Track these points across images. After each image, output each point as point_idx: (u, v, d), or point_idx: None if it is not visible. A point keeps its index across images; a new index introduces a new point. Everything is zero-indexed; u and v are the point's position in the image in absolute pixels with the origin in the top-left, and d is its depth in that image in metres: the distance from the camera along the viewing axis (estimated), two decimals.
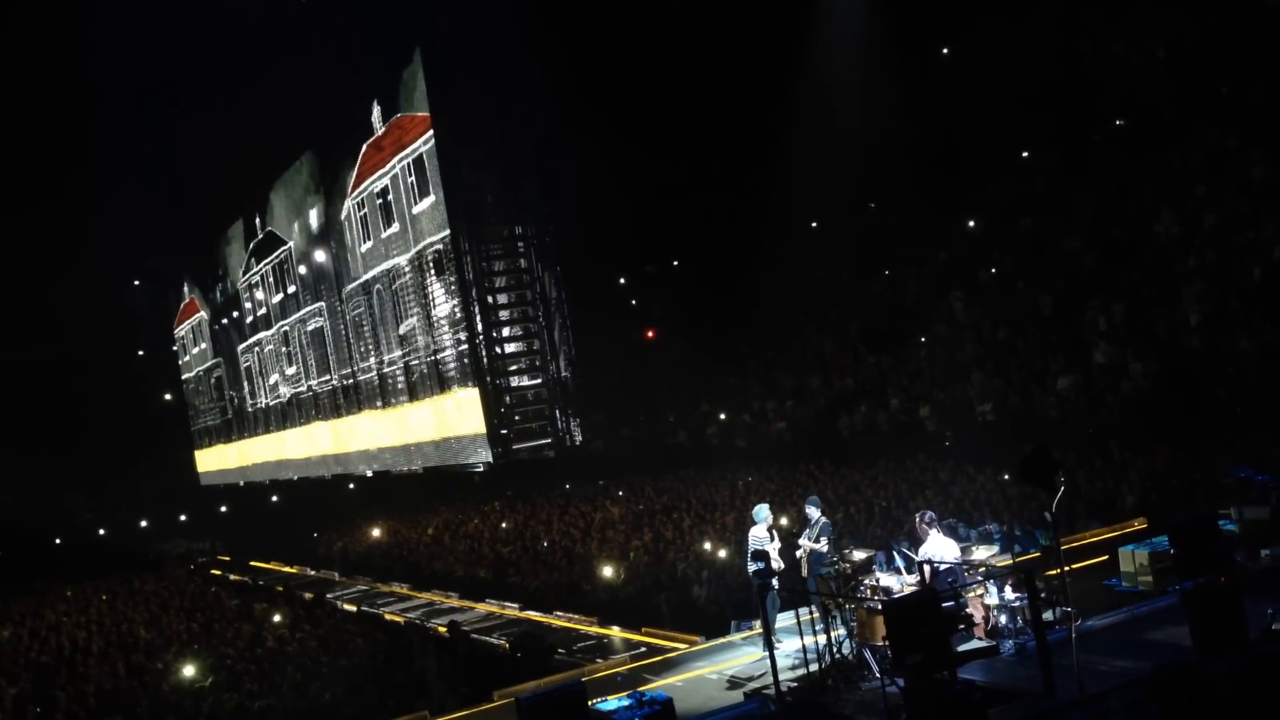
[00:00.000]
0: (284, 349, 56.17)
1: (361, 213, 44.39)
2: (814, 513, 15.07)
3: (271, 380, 58.86)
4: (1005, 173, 33.17)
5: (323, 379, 52.18)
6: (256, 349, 59.84)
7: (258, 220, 55.69)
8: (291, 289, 53.50)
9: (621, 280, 44.38)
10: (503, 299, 36.49)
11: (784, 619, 14.54)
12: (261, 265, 57.11)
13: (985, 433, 24.61)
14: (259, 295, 58.58)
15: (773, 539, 14.89)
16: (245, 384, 62.50)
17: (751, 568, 14.54)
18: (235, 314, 61.74)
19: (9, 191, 47.35)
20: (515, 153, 35.67)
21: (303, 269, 51.62)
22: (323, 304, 49.70)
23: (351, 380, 48.43)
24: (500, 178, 35.90)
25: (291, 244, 52.27)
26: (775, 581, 14.58)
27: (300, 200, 51.17)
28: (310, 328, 52.09)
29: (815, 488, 25.02)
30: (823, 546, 14.60)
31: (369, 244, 44.03)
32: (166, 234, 55.94)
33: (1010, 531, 18.21)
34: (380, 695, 17.04)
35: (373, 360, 45.70)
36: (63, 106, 46.71)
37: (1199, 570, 10.17)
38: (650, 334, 42.16)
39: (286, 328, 54.81)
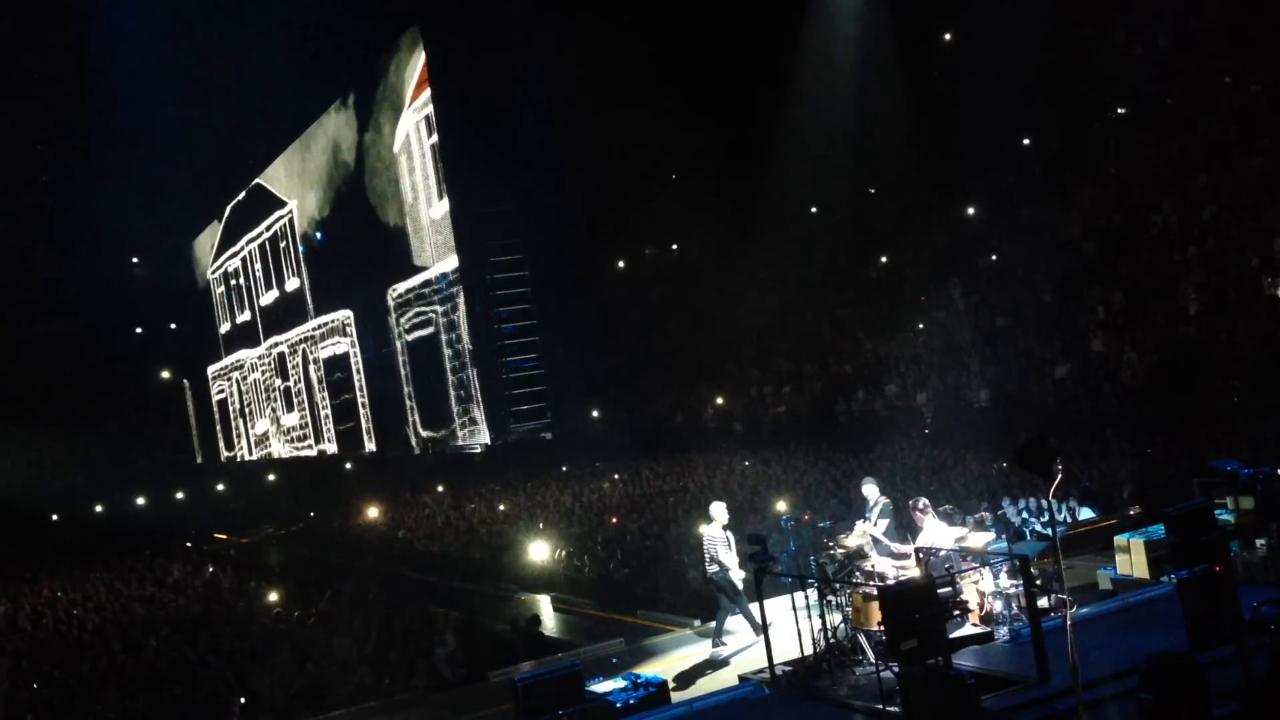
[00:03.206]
0: (279, 382, 38.71)
1: (432, 139, 28.83)
2: (872, 492, 14.61)
3: (258, 428, 42.49)
4: (1005, 160, 33.11)
5: (348, 442, 35.01)
6: (236, 375, 43.10)
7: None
8: (292, 283, 36.89)
9: (620, 264, 44.35)
10: (500, 278, 36.34)
11: (774, 604, 14.54)
12: (242, 244, 39.59)
13: (982, 420, 24.63)
14: (236, 290, 41.26)
15: (729, 542, 14.99)
16: (217, 425, 46.61)
17: (712, 568, 14.81)
18: (202, 317, 46.30)
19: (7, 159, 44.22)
20: (515, 132, 35.54)
21: (313, 247, 34.96)
22: (349, 313, 34.11)
23: (409, 451, 32.12)
24: (500, 156, 35.73)
25: (293, 205, 35.75)
26: (736, 576, 14.76)
27: (312, 130, 34.28)
28: (327, 353, 35.30)
29: (813, 470, 25.06)
30: (880, 530, 14.12)
31: (450, 200, 28.91)
32: (167, 204, 48.39)
33: (1006, 518, 18.29)
34: (375, 675, 17.09)
35: (455, 426, 29.33)
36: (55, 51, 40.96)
37: (1194, 559, 10.18)
38: None
39: (283, 348, 38.03)
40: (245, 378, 41.43)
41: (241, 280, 40.98)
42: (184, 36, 38.16)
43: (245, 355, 40.91)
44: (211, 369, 43.98)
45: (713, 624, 15.21)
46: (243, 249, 39.96)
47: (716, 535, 14.97)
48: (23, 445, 48.99)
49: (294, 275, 37.88)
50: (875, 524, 14.19)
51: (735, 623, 15.11)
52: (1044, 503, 17.19)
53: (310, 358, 36.70)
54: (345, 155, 32.86)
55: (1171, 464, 19.34)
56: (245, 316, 40.68)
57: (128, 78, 37.34)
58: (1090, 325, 24.89)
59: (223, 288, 42.54)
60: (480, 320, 35.41)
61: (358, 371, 34.01)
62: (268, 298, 39.60)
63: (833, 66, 34.15)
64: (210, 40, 38.05)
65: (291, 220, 37.06)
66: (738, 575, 14.83)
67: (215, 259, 41.95)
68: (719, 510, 15.29)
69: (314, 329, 36.45)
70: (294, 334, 37.54)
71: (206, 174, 46.57)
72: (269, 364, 39.51)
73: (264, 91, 38.06)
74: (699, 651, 15.01)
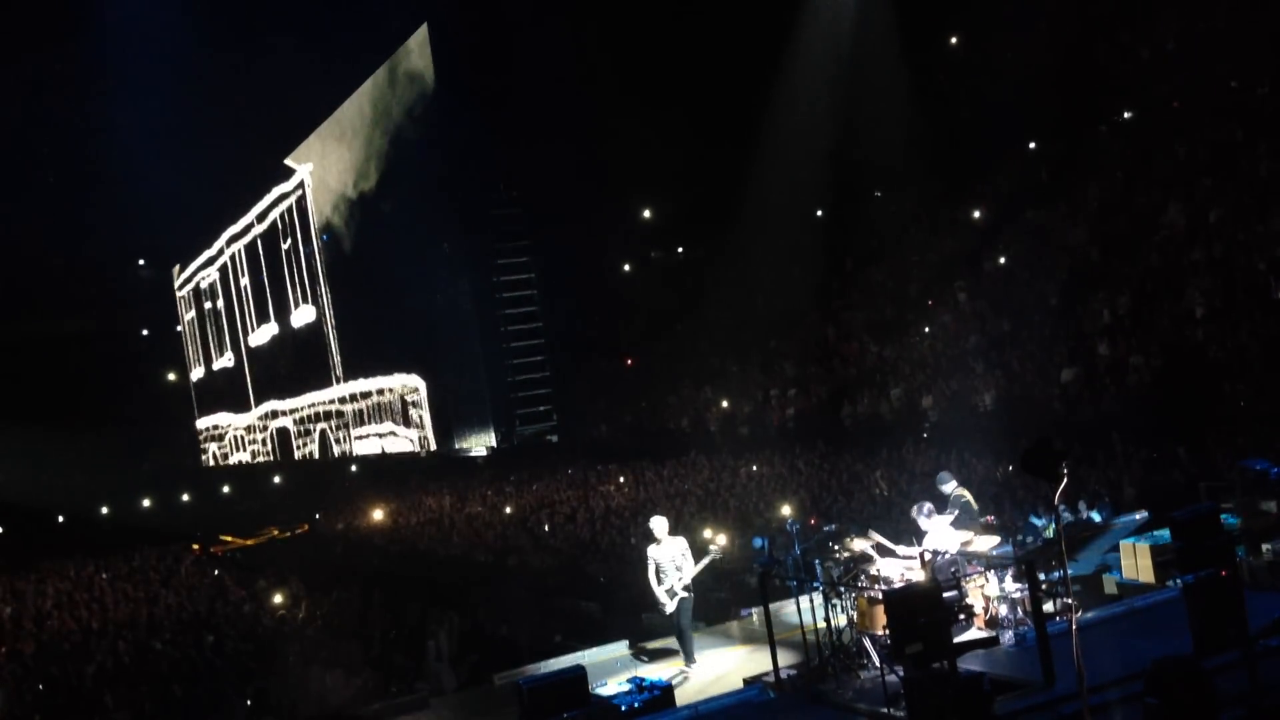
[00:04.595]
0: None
1: None
2: (950, 487, 14.42)
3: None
4: (1011, 163, 33.10)
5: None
6: (214, 449, 30.77)
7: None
8: (302, 315, 24.32)
9: (626, 266, 44.38)
10: (505, 279, 36.39)
11: (779, 607, 14.51)
12: (222, 243, 26.53)
13: (987, 424, 24.59)
14: (213, 318, 29.17)
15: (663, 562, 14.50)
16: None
17: (666, 586, 14.24)
18: (168, 359, 34.39)
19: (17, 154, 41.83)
20: (519, 131, 35.59)
21: (343, 250, 22.78)
22: (418, 381, 23.13)
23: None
24: (503, 158, 35.76)
25: (305, 174, 23.10)
26: (663, 597, 14.38)
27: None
28: (369, 447, 23.41)
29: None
30: (947, 521, 13.80)
31: (453, 198, 20.07)
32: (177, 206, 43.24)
33: (1011, 522, 18.24)
34: (380, 678, 17.10)
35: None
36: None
37: (1200, 564, 10.18)
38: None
39: (287, 422, 25.39)
40: (226, 456, 25.86)
41: (220, 302, 25.89)
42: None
43: (227, 422, 25.86)
44: (199, 427, 28.51)
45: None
46: (222, 253, 25.19)
47: (653, 555, 14.52)
48: (29, 445, 49.08)
49: (306, 300, 23.99)
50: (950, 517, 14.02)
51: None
52: (1087, 504, 17.28)
53: (335, 447, 22.31)
54: (416, 62, 19.54)
55: (1177, 468, 19.30)
56: (226, 361, 25.82)
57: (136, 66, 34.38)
58: (1096, 329, 24.86)
59: (193, 313, 27.33)
60: (486, 322, 35.45)
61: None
62: (260, 335, 25.37)
63: (839, 69, 34.13)
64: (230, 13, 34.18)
65: (303, 200, 22.87)
66: (663, 598, 14.39)
67: (184, 267, 27.40)
68: (658, 526, 14.73)
69: (343, 400, 22.19)
70: (307, 403, 23.23)
71: (222, 170, 40.52)
72: (264, 444, 24.33)
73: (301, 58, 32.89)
74: (704, 655, 15.00)
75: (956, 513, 14.06)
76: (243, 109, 33.70)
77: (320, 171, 22.67)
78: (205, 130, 34.95)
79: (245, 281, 24.46)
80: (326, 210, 23.14)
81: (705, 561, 14.64)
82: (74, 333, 55.28)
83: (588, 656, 15.84)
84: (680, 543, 14.64)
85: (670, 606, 14.36)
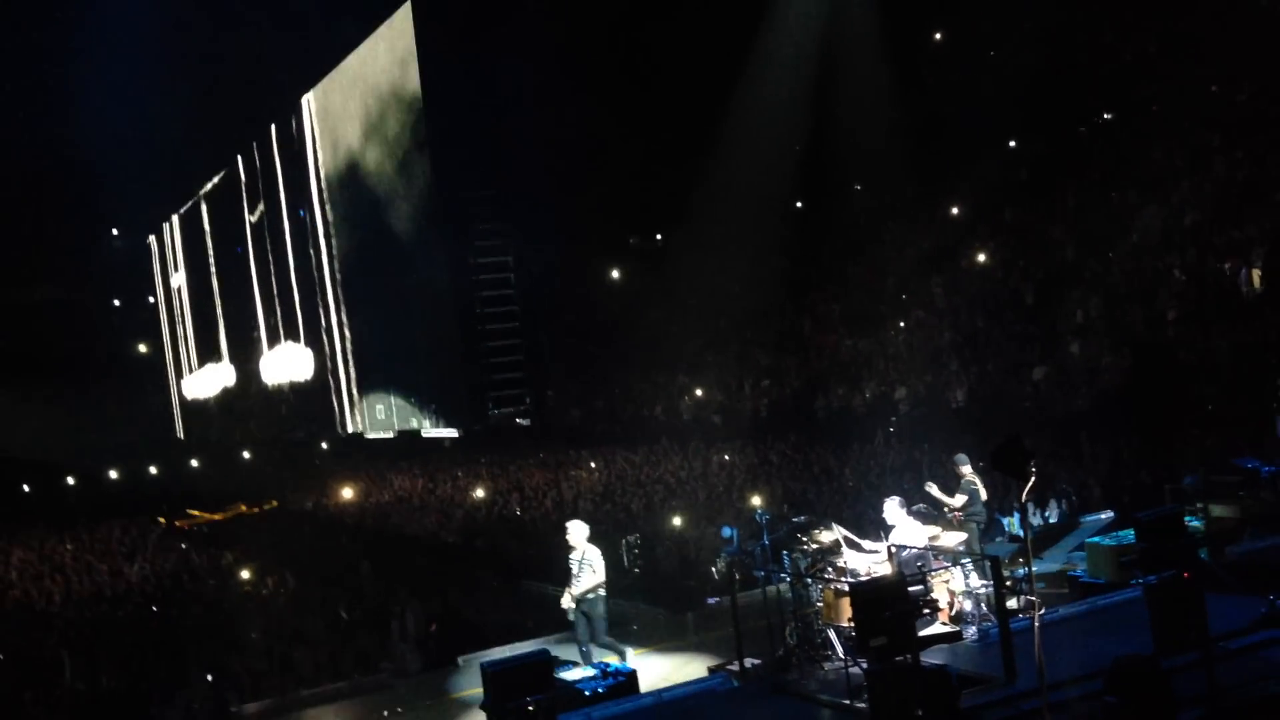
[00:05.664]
0: None
1: None
2: (966, 470, 14.69)
3: None
4: (991, 161, 33.17)
5: None
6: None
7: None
8: (288, 361, 21.52)
9: (603, 252, 44.26)
10: (483, 261, 36.38)
11: (745, 597, 14.53)
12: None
13: (958, 420, 24.71)
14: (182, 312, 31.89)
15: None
16: None
17: (588, 584, 13.73)
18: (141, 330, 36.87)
19: None
20: (498, 120, 35.48)
21: (373, 215, 21.48)
22: None
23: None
24: (482, 145, 35.67)
25: (308, 105, 20.20)
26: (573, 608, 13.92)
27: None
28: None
29: (778, 462, 25.03)
30: (959, 503, 14.45)
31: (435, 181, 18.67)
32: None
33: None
34: (343, 655, 17.06)
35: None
36: None
37: (1162, 565, 10.25)
38: None
39: None
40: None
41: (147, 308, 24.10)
42: None
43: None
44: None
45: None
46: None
47: (584, 557, 13.92)
48: None
49: (291, 332, 20.23)
50: (955, 497, 14.68)
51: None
52: (1056, 502, 17.46)
53: None
54: (399, 38, 18.21)
55: (1145, 468, 19.45)
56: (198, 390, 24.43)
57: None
58: (1069, 328, 25.00)
59: (171, 292, 25.56)
60: (462, 305, 35.41)
61: None
62: (201, 381, 20.91)
63: (820, 61, 34.10)
64: None
65: (295, 134, 19.08)
66: (565, 601, 13.97)
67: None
68: (572, 529, 14.16)
69: None
70: None
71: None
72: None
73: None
74: (669, 641, 15.05)
75: (966, 498, 14.54)
76: (222, 78, 32.91)
77: (329, 94, 17.76)
78: (174, 103, 34.27)
79: (178, 282, 18.31)
80: (340, 149, 17.64)
81: (581, 591, 13.89)
82: (43, 301, 54.88)
83: (554, 641, 15.86)
84: (589, 551, 13.94)
85: (569, 613, 13.96)
